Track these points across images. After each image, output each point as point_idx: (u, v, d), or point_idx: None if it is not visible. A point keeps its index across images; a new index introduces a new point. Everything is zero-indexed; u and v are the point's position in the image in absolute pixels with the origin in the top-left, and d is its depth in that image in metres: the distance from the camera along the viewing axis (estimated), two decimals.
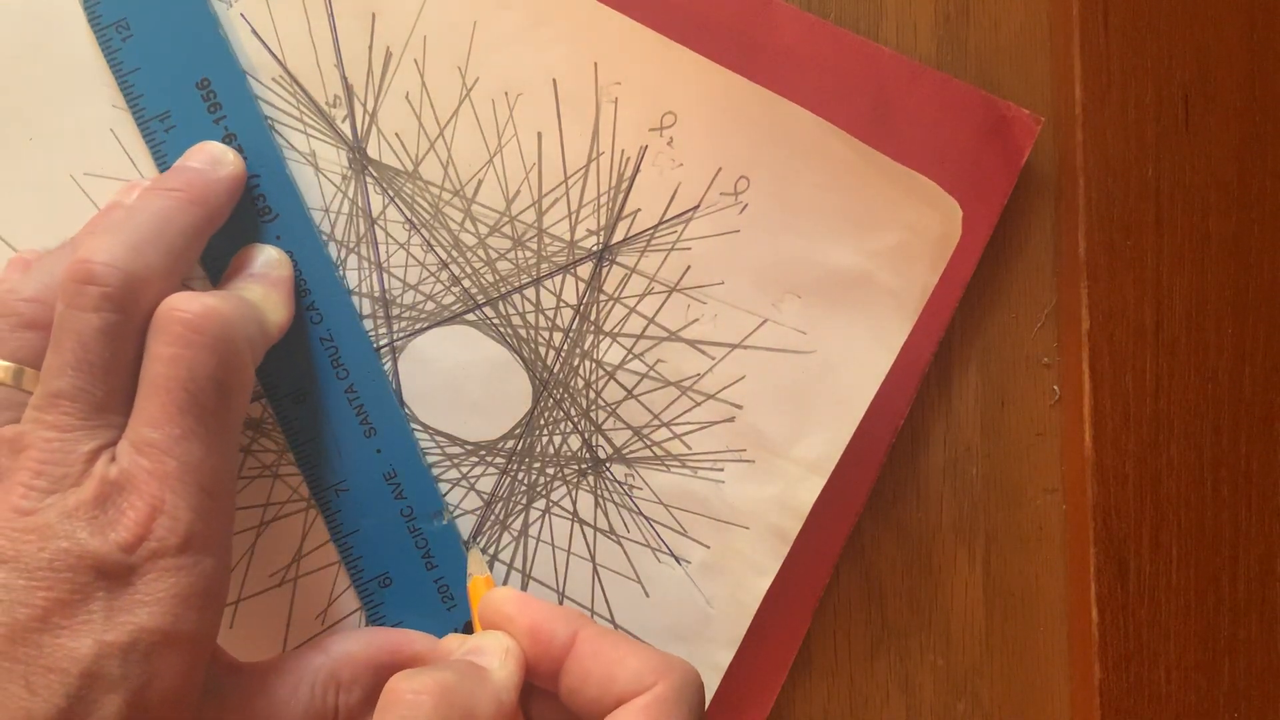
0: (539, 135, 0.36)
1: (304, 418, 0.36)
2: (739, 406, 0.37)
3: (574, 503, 0.37)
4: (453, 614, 0.36)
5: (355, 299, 0.36)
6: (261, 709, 0.31)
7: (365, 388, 0.36)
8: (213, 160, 0.34)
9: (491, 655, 0.30)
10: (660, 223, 0.37)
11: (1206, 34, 0.37)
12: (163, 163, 0.35)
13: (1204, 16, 0.37)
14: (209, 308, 0.30)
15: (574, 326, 0.37)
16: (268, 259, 0.34)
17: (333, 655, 0.33)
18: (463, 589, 0.36)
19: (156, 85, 0.35)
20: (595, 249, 0.37)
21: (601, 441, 0.37)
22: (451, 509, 0.37)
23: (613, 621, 0.37)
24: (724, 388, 0.37)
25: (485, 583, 0.35)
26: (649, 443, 0.37)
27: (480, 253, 0.37)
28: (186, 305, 0.30)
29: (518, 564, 0.37)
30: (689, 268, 0.37)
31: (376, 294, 0.37)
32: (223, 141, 0.35)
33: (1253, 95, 0.37)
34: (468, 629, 0.36)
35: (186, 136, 0.35)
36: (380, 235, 0.37)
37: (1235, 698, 0.37)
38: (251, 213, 0.35)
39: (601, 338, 0.37)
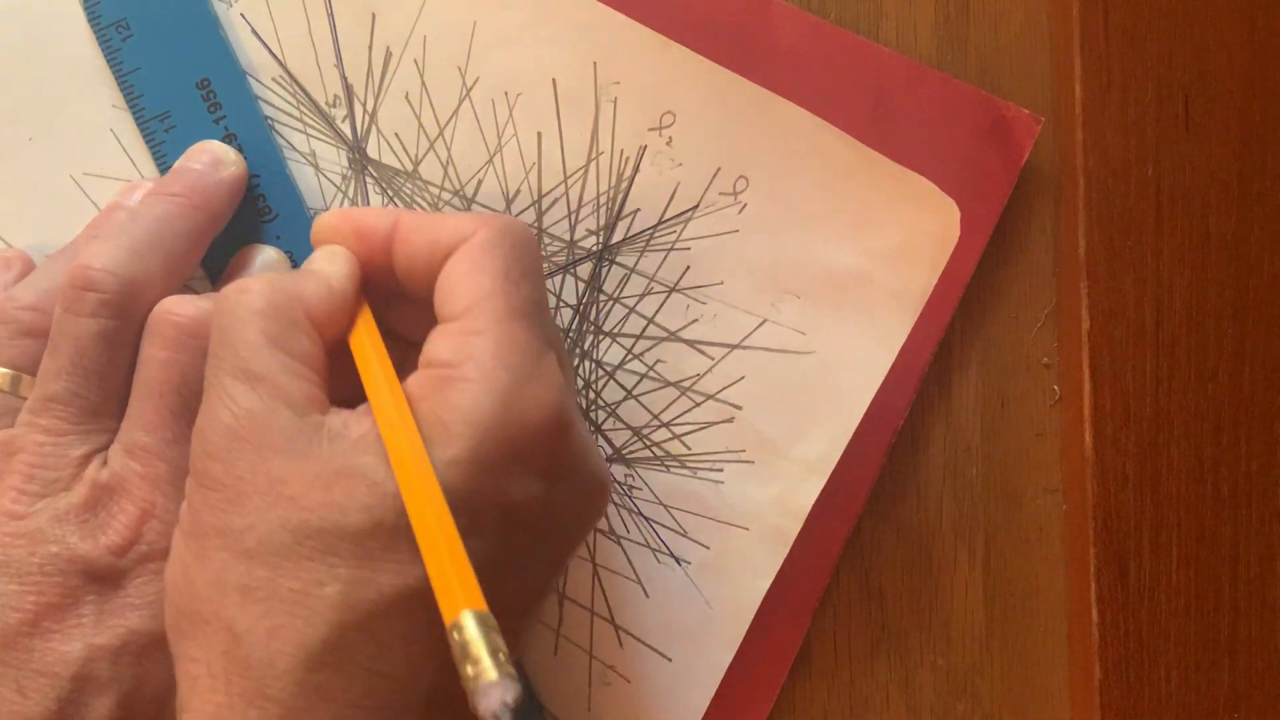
0: (539, 135, 0.37)
1: None
2: (738, 407, 0.37)
3: None
4: None
5: None
6: None
7: None
8: (214, 161, 0.34)
9: (318, 259, 0.30)
10: (659, 222, 0.37)
11: (1206, 34, 0.37)
12: (163, 163, 0.35)
13: (1204, 16, 0.37)
14: (204, 311, 0.30)
15: (574, 326, 0.37)
16: (266, 261, 0.34)
17: None
18: None
19: (156, 85, 0.35)
20: (595, 249, 0.37)
21: (601, 442, 0.37)
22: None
23: (612, 621, 0.37)
24: (723, 388, 0.37)
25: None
26: (649, 443, 0.37)
27: None
28: (181, 309, 0.30)
29: None
30: (688, 268, 0.37)
31: None
32: (223, 142, 0.35)
33: (1253, 95, 0.37)
34: None
35: (186, 136, 0.35)
36: None
37: (1235, 698, 0.37)
38: (252, 213, 0.35)
39: (601, 338, 0.37)
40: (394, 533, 0.25)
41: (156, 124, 0.35)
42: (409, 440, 0.26)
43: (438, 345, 0.27)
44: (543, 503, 0.27)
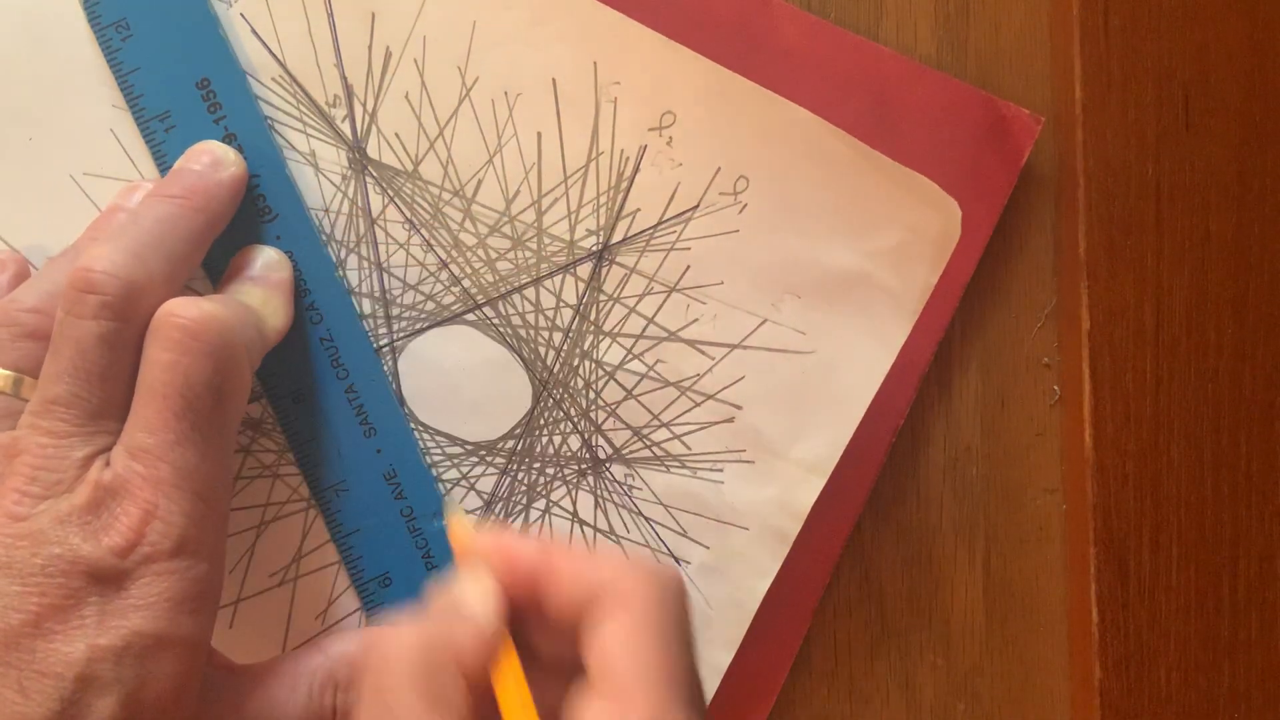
0: (539, 135, 0.36)
1: (304, 418, 0.36)
2: (738, 407, 0.37)
3: (574, 503, 0.37)
4: None
5: (355, 299, 0.36)
6: (259, 711, 0.31)
7: (365, 388, 0.36)
8: (215, 162, 0.34)
9: (468, 595, 0.29)
10: (660, 222, 0.37)
11: (1206, 34, 0.37)
12: (163, 163, 0.35)
13: (1204, 16, 0.37)
14: (207, 313, 0.30)
15: (574, 326, 0.37)
16: (267, 261, 0.34)
17: (331, 656, 0.32)
18: None
19: (156, 85, 0.35)
20: (595, 249, 0.37)
21: (601, 442, 0.37)
22: (454, 501, 0.37)
23: None
24: (723, 388, 0.37)
25: (460, 522, 0.34)
26: (649, 443, 0.37)
27: (480, 253, 0.37)
28: (184, 311, 0.30)
29: None
30: (688, 268, 0.37)
31: (376, 294, 0.37)
32: (223, 142, 0.35)
33: (1253, 95, 0.37)
34: None
35: (187, 137, 0.35)
36: (380, 235, 0.37)
37: (1235, 698, 0.37)
38: (252, 213, 0.35)
39: (601, 338, 0.37)
40: None
41: (156, 124, 0.35)
42: None
43: (590, 715, 0.26)
44: None
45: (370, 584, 0.36)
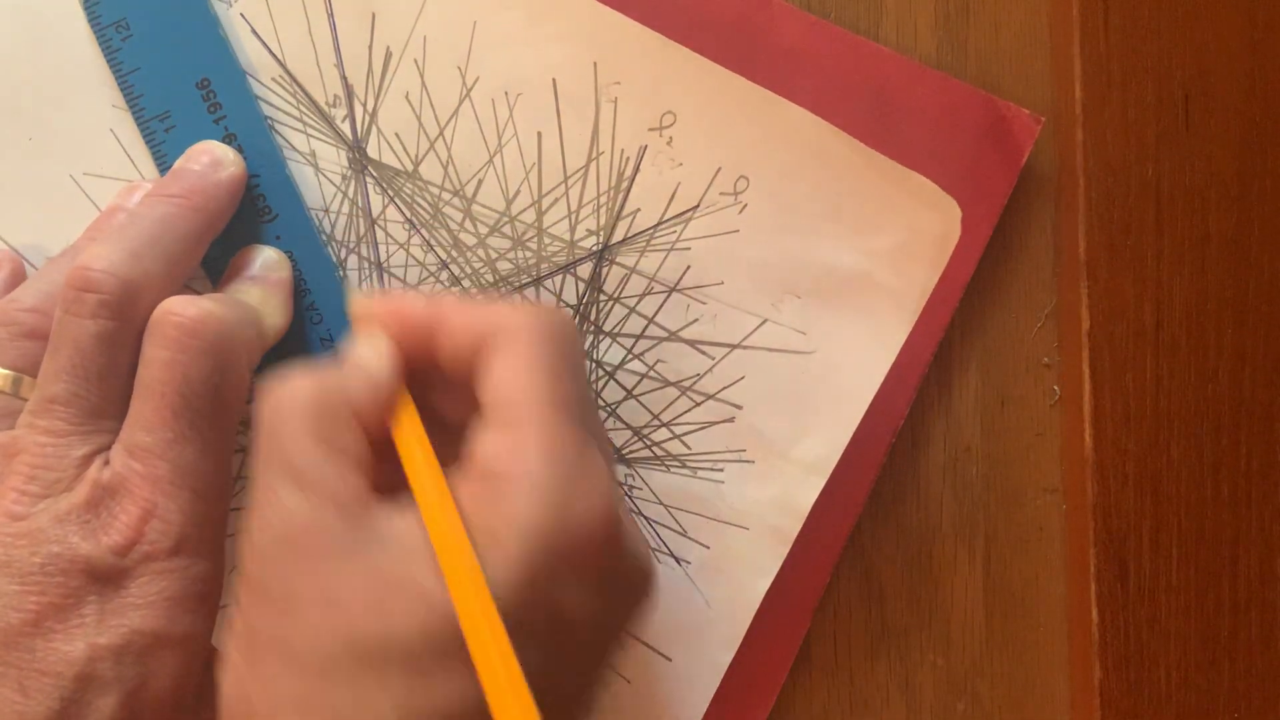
0: (539, 135, 0.37)
1: None
2: (739, 407, 0.37)
3: None
4: None
5: None
6: None
7: None
8: (214, 162, 0.34)
9: (362, 351, 0.29)
10: (660, 222, 0.37)
11: (1206, 34, 0.37)
12: (163, 163, 0.35)
13: (1204, 16, 0.37)
14: (206, 312, 0.30)
15: None
16: (266, 261, 0.34)
17: None
18: None
19: (156, 85, 0.35)
20: (595, 249, 0.37)
21: None
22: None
23: None
24: (724, 388, 0.37)
25: (358, 299, 0.34)
26: (648, 443, 0.37)
27: (480, 253, 0.37)
28: (183, 309, 0.30)
29: None
30: (688, 268, 0.37)
31: None
32: (223, 142, 0.35)
33: (1253, 95, 0.37)
34: None
35: (186, 137, 0.35)
36: (380, 235, 0.37)
37: (1235, 698, 0.37)
38: (251, 213, 0.35)
39: (601, 338, 0.37)
40: (446, 645, 0.25)
41: (156, 124, 0.35)
42: (460, 552, 0.25)
43: (484, 445, 0.27)
44: (593, 607, 0.27)
45: None
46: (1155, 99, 0.37)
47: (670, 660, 0.37)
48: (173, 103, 0.35)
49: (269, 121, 0.36)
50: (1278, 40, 0.37)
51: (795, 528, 0.37)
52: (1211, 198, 0.37)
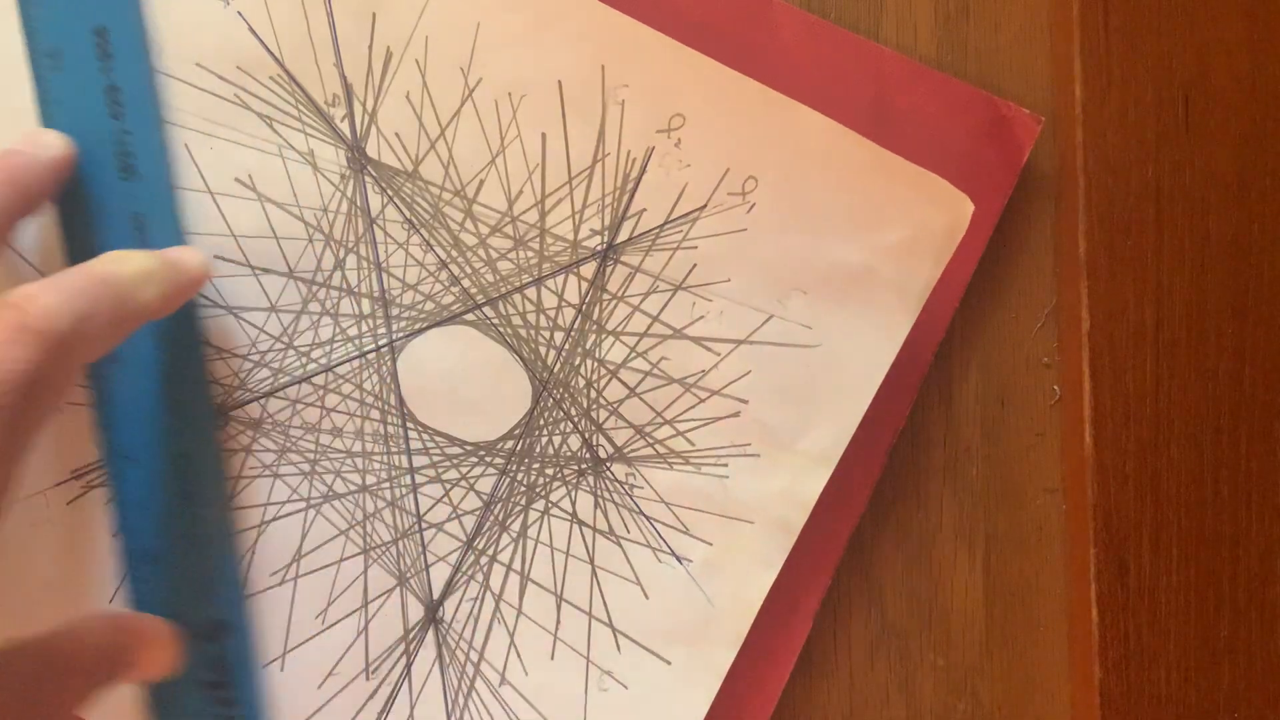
0: (543, 136, 0.36)
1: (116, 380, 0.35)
2: (744, 401, 0.37)
3: (573, 504, 0.37)
4: None
5: (354, 299, 0.36)
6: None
7: None
8: (35, 143, 0.34)
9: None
10: (666, 222, 0.37)
11: (1206, 34, 0.37)
12: (45, 100, 0.35)
13: (1204, 16, 0.37)
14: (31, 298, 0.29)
15: (576, 325, 0.37)
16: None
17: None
18: None
19: (54, 21, 0.35)
20: (599, 248, 0.37)
21: (602, 441, 0.37)
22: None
23: (611, 625, 0.37)
24: (729, 383, 0.37)
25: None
26: (651, 440, 0.37)
27: (480, 253, 0.37)
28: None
29: (516, 565, 0.37)
30: (695, 266, 0.37)
31: (375, 294, 0.36)
32: (105, 94, 0.35)
33: (1253, 95, 0.37)
34: None
35: (72, 81, 0.34)
36: (379, 235, 0.36)
37: (1235, 698, 0.37)
38: (110, 170, 0.35)
39: (604, 336, 0.37)
40: None
41: (46, 60, 0.35)
42: None
43: None
44: None
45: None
46: (1155, 99, 0.37)
47: (669, 664, 0.37)
48: (66, 42, 0.35)
49: (268, 122, 0.36)
50: (1278, 40, 0.37)
51: (801, 519, 0.37)
52: (1211, 198, 0.37)
